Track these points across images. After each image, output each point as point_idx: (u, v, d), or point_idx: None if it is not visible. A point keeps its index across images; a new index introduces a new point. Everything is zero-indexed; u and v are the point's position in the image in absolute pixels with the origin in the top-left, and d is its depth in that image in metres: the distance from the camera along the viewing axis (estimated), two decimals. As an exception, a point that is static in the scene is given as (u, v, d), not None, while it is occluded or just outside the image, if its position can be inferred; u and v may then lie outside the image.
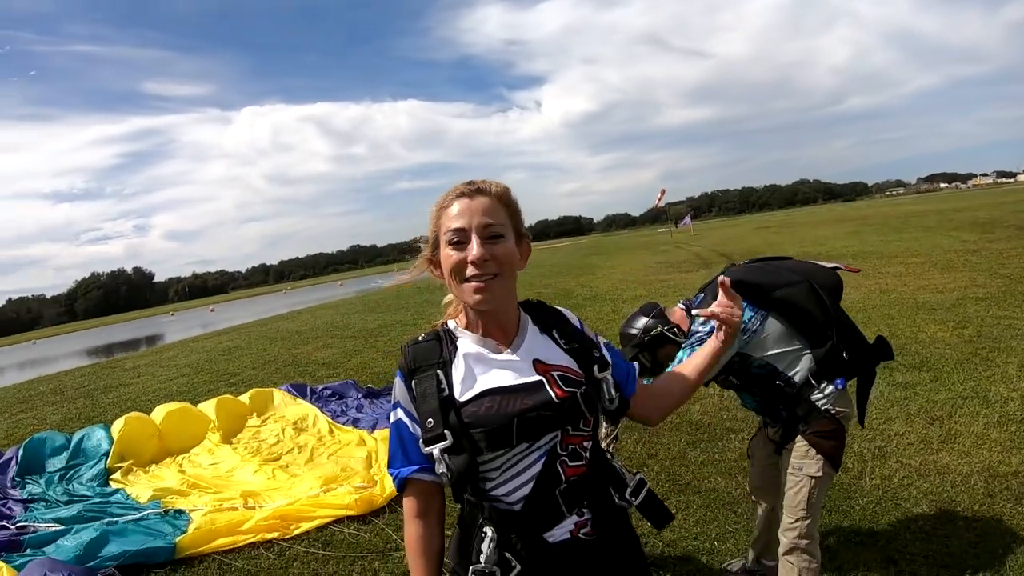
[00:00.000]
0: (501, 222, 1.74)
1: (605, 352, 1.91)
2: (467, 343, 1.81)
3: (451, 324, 1.88)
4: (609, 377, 1.83)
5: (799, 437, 3.09)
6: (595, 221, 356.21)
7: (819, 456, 3.04)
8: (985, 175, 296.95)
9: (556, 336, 1.86)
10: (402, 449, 1.78)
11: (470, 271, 1.69)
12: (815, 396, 3.07)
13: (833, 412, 3.08)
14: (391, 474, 1.79)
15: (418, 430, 1.73)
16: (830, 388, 3.08)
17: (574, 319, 1.94)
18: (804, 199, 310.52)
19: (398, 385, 1.82)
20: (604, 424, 3.46)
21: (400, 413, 1.79)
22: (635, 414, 1.98)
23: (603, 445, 3.20)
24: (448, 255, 1.72)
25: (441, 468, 1.68)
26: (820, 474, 3.04)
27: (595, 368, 1.82)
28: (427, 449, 1.69)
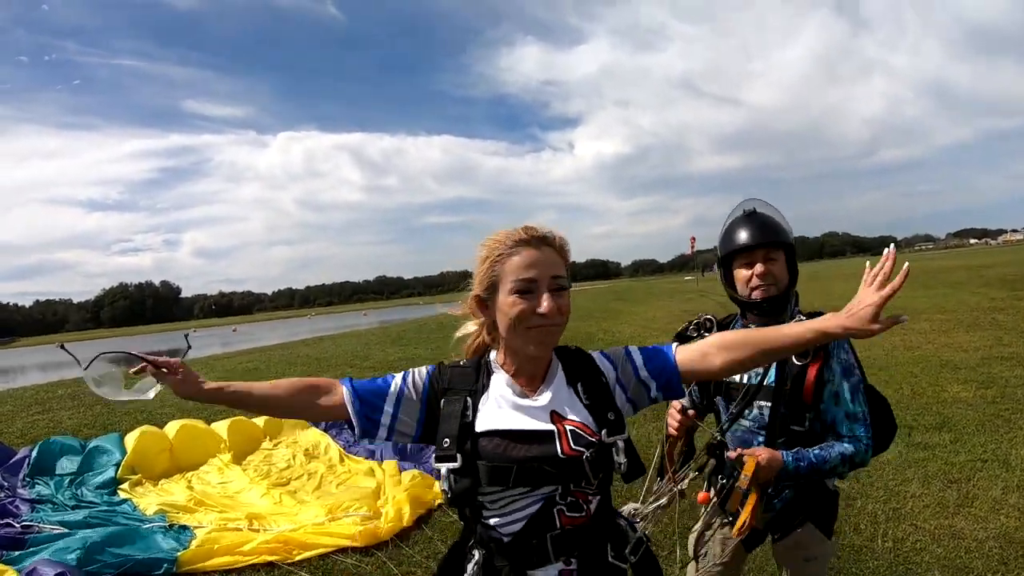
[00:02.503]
0: (564, 274, 1.82)
1: (621, 396, 1.88)
2: (499, 381, 1.87)
3: (492, 356, 1.94)
4: (620, 442, 1.79)
5: (808, 524, 2.66)
6: (622, 265, 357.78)
7: (827, 538, 2.71)
8: (1015, 231, 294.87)
9: (580, 390, 1.86)
10: (372, 384, 1.89)
11: (537, 322, 1.76)
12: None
13: (837, 491, 2.78)
14: (344, 382, 1.89)
15: (391, 404, 1.85)
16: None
17: (608, 370, 1.91)
18: (832, 251, 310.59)
19: (421, 376, 1.91)
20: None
21: (400, 383, 1.89)
22: (693, 371, 1.86)
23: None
24: (514, 303, 1.76)
25: (444, 486, 1.78)
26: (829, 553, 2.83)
27: (604, 432, 1.79)
28: (437, 465, 1.79)
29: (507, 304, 1.78)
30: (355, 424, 1.84)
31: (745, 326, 2.79)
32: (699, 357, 1.85)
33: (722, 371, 1.86)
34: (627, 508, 2.42)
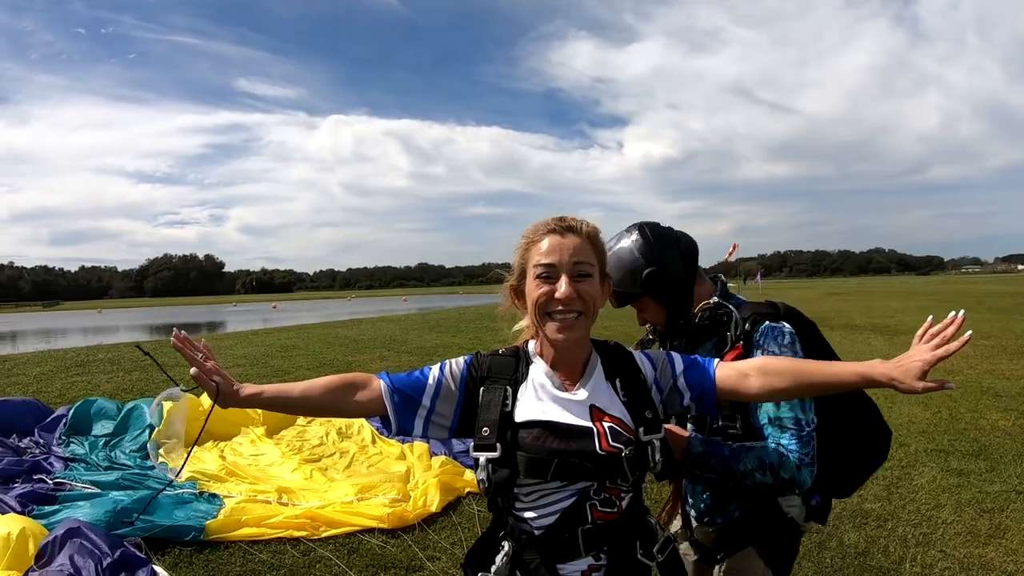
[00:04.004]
0: (590, 261, 1.80)
1: (657, 398, 1.85)
2: (538, 370, 1.86)
3: (531, 346, 1.94)
4: (656, 441, 1.77)
5: (750, 550, 2.33)
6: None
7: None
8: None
9: (618, 386, 1.84)
10: (410, 377, 1.88)
11: (556, 307, 1.76)
12: (785, 501, 2.29)
13: (801, 527, 2.34)
14: (382, 376, 1.88)
15: (428, 398, 1.84)
16: (798, 501, 2.30)
17: (648, 369, 1.89)
18: (877, 268, 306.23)
19: (459, 366, 1.90)
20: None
21: (438, 374, 1.88)
22: (730, 390, 1.82)
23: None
24: (535, 288, 1.79)
25: (481, 475, 1.75)
26: None
27: (641, 430, 1.77)
28: (475, 454, 1.76)
29: (531, 289, 1.81)
30: (392, 421, 1.84)
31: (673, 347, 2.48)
32: (738, 377, 1.82)
33: (758, 396, 1.81)
34: None
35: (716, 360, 1.89)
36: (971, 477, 6.23)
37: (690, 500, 2.51)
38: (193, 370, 1.79)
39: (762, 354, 2.19)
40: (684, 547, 2.53)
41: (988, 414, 8.67)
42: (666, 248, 2.41)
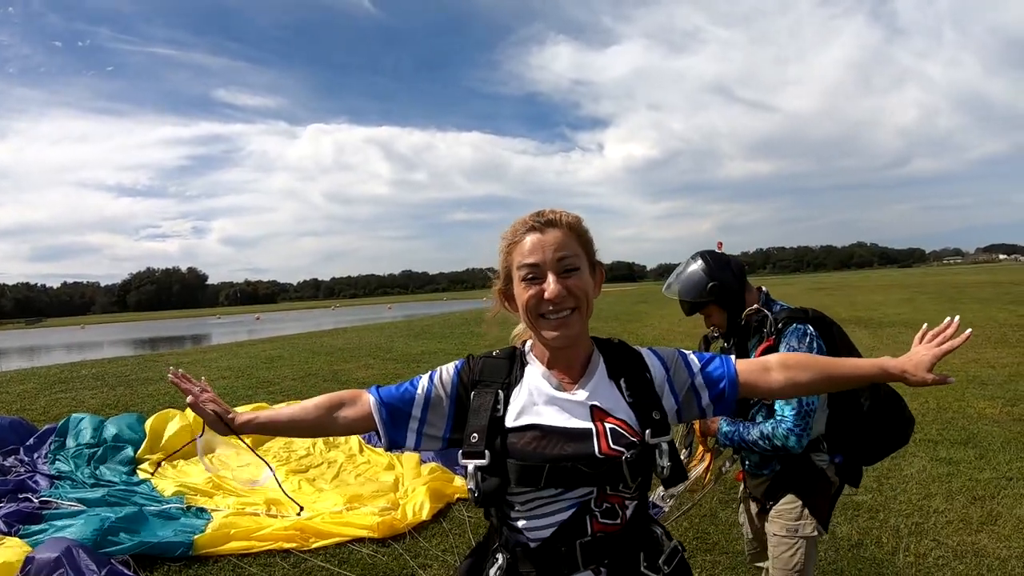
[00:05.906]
0: (575, 253, 1.71)
1: (670, 399, 1.77)
2: (534, 372, 1.78)
3: (528, 346, 1.86)
4: (664, 444, 1.67)
5: (791, 496, 2.95)
6: (648, 269, 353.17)
7: (812, 517, 2.92)
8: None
9: (623, 386, 1.75)
10: (399, 390, 1.84)
11: (547, 308, 1.68)
12: (815, 456, 2.93)
13: (829, 476, 2.96)
14: (371, 391, 1.86)
15: (419, 408, 1.79)
16: (826, 457, 2.93)
17: (657, 369, 1.80)
18: (860, 262, 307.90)
19: (449, 373, 1.84)
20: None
21: (428, 384, 1.82)
22: (753, 384, 1.79)
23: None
24: (523, 291, 1.71)
25: (471, 484, 1.68)
26: (815, 534, 2.93)
27: (648, 432, 1.67)
28: (464, 462, 1.69)
29: (519, 293, 1.73)
30: (383, 436, 1.79)
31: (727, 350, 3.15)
32: (760, 372, 1.79)
33: (782, 390, 1.79)
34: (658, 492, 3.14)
35: (734, 356, 1.84)
36: (961, 465, 6.27)
37: (747, 460, 3.17)
38: (189, 399, 1.89)
39: (785, 348, 2.80)
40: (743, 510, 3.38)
41: (975, 403, 8.75)
42: (722, 267, 3.12)
